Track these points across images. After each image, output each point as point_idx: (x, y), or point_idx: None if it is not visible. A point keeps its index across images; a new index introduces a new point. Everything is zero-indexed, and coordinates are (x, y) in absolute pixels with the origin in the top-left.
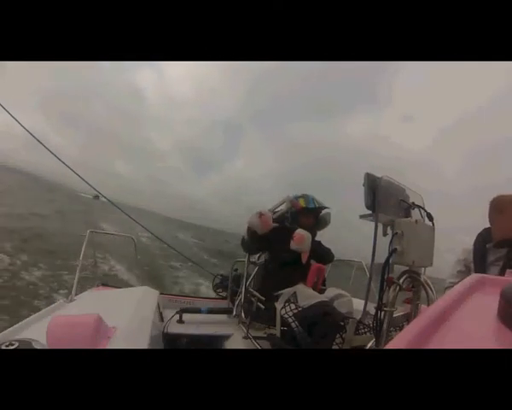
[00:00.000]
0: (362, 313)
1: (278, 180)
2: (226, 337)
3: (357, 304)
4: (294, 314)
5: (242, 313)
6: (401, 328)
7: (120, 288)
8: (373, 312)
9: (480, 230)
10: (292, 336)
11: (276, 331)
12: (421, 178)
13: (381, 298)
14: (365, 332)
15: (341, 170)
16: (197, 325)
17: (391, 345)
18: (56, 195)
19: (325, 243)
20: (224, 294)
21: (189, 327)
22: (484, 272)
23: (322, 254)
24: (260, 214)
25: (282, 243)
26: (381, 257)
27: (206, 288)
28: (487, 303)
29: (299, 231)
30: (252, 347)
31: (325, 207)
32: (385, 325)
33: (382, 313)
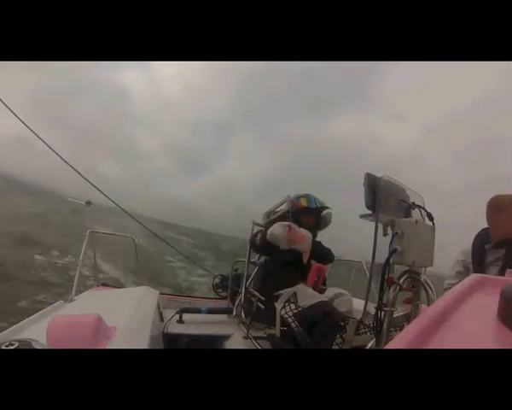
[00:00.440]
0: (362, 313)
1: (269, 179)
2: (226, 337)
3: (358, 304)
4: (294, 314)
5: (242, 313)
6: (401, 328)
7: (120, 288)
8: (373, 312)
9: (471, 224)
10: (292, 337)
11: (276, 331)
12: (414, 175)
13: (381, 298)
14: (365, 332)
15: (333, 168)
16: (197, 325)
17: (391, 345)
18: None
19: (324, 243)
20: (224, 294)
21: (189, 327)
22: (483, 272)
23: (322, 254)
24: (290, 228)
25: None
26: (381, 258)
27: (204, 285)
28: (487, 303)
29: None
30: (252, 347)
31: (326, 207)
32: (385, 325)
33: (382, 313)
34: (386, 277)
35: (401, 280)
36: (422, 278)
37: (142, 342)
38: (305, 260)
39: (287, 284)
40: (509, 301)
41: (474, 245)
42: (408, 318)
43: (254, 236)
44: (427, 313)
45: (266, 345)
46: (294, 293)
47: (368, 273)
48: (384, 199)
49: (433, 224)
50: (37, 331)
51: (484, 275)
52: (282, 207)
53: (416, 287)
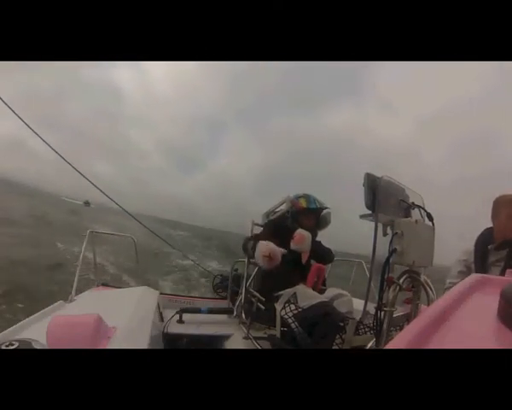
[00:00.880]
0: (362, 313)
1: (263, 175)
2: (226, 337)
3: (357, 304)
4: (294, 315)
5: (243, 314)
6: (401, 328)
7: (120, 288)
8: (373, 312)
9: (466, 217)
10: (292, 337)
11: (277, 332)
12: (407, 168)
13: (381, 298)
14: (365, 332)
15: (325, 162)
16: (197, 325)
17: (391, 345)
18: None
19: (323, 242)
20: (224, 294)
21: (189, 327)
22: (485, 272)
23: (322, 254)
24: (269, 259)
25: (283, 244)
26: (380, 258)
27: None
28: (487, 303)
29: (300, 231)
30: (252, 347)
31: (326, 208)
32: (385, 325)
33: (382, 313)
34: (385, 277)
35: (401, 280)
36: (422, 278)
37: (142, 342)
38: (304, 260)
39: (286, 284)
40: (509, 301)
41: (476, 245)
42: (408, 318)
43: (247, 241)
44: (427, 313)
45: (266, 345)
46: (294, 294)
47: (368, 273)
48: (384, 199)
49: (433, 224)
50: (37, 331)
51: (484, 275)
52: (281, 208)
53: (415, 287)
